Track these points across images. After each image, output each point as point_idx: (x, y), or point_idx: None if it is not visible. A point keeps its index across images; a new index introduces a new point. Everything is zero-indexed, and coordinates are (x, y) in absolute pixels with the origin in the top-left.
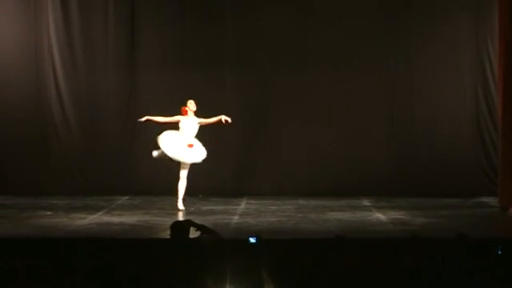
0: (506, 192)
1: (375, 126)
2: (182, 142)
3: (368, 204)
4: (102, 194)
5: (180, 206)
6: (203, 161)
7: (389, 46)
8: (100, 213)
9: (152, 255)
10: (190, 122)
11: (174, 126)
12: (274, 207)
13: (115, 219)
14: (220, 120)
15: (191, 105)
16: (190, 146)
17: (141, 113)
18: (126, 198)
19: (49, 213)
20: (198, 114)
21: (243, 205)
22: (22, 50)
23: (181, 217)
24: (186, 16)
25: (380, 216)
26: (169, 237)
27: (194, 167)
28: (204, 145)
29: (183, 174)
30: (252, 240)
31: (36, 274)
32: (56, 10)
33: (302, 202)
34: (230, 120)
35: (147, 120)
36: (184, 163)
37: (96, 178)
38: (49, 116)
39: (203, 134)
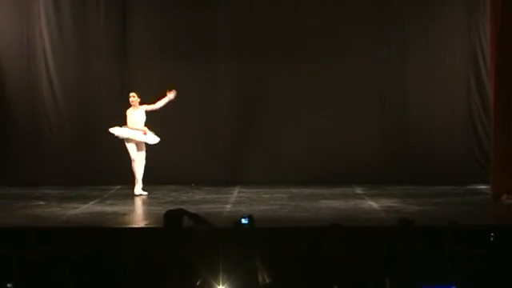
0: (498, 179)
1: (368, 114)
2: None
3: (360, 192)
4: (95, 184)
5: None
6: (195, 150)
7: (381, 35)
8: (92, 202)
9: (145, 244)
10: (136, 112)
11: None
12: (266, 196)
13: (108, 209)
14: (167, 98)
15: (133, 98)
16: (144, 132)
17: None
18: (119, 187)
19: (42, 202)
20: (189, 103)
21: (236, 194)
22: (13, 41)
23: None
24: (178, 5)
25: (372, 204)
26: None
27: (187, 156)
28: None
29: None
30: (244, 221)
31: (29, 263)
32: (47, 1)
33: (294, 190)
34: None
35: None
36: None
37: (88, 167)
38: (41, 106)
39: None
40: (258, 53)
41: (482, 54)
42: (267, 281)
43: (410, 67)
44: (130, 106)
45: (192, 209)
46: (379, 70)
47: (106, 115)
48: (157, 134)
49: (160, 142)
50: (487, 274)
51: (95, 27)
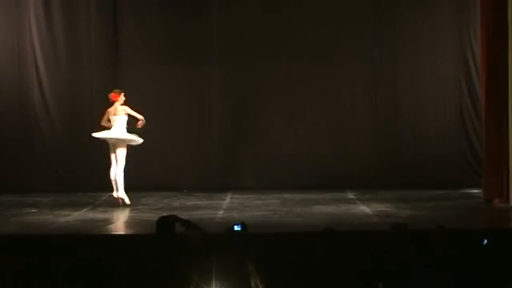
0: (489, 183)
1: (359, 118)
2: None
3: (353, 197)
4: (87, 191)
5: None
6: (187, 156)
7: (373, 37)
8: (85, 209)
9: (137, 251)
10: (116, 111)
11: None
12: (258, 201)
13: (100, 216)
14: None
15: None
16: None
17: None
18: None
19: (33, 210)
20: (181, 108)
21: (228, 199)
22: (3, 47)
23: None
24: (169, 10)
25: (365, 209)
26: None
27: (179, 162)
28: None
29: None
30: (237, 228)
31: (22, 270)
32: (38, 6)
33: (286, 195)
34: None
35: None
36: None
37: (80, 174)
38: (32, 113)
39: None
40: (250, 57)
41: (472, 56)
42: (260, 286)
43: (401, 70)
44: (111, 105)
45: (184, 215)
46: (370, 73)
47: (97, 122)
48: (148, 140)
49: (152, 147)
50: (479, 277)
51: (86, 33)
